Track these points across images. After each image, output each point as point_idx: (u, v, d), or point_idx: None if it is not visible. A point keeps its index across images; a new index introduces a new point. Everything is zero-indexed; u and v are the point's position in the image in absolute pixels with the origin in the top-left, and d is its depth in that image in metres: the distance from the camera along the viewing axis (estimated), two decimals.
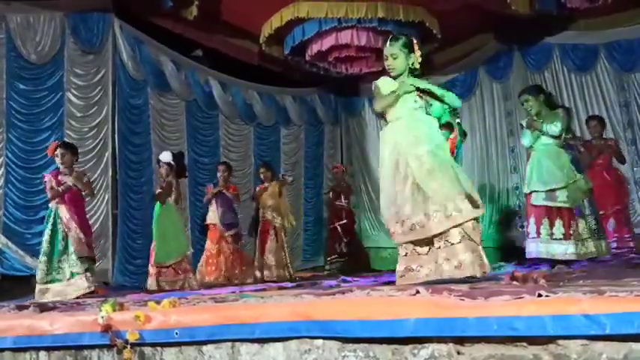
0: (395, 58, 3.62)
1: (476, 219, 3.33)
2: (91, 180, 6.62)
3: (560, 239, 4.70)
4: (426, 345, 1.97)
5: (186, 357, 2.40)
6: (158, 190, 6.20)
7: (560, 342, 1.78)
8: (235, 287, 5.39)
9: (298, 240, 9.41)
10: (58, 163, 5.27)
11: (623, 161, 6.62)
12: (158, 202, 6.10)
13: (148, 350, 2.46)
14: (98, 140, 6.84)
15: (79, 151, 6.40)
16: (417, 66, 3.65)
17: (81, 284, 4.98)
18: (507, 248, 7.89)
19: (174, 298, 2.78)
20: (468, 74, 9.08)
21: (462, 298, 2.07)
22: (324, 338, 2.15)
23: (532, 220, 4.85)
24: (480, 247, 3.33)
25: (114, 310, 2.56)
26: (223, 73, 8.61)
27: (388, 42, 3.66)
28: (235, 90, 8.82)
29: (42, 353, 2.69)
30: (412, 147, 3.44)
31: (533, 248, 4.79)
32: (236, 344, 2.33)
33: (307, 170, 9.81)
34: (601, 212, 5.84)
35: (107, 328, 2.47)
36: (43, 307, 3.31)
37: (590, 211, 5.19)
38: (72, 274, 5.00)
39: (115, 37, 7.10)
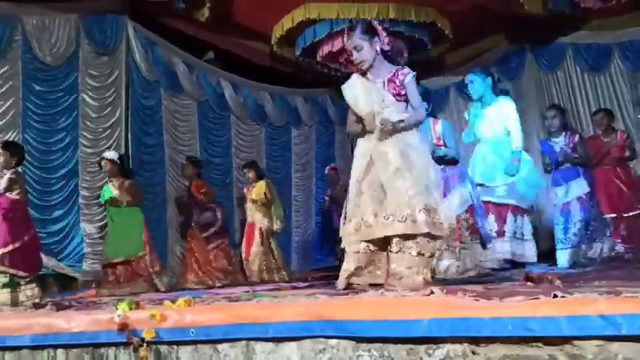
0: (359, 50, 3.29)
1: (430, 235, 3.06)
2: (105, 180, 6.70)
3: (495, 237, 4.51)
4: (441, 345, 1.97)
5: (201, 355, 2.42)
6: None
7: (576, 342, 1.78)
8: (249, 287, 5.39)
9: (309, 241, 9.41)
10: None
11: (631, 157, 6.20)
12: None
13: (163, 348, 2.49)
14: (112, 141, 6.91)
15: (94, 151, 6.50)
16: (387, 48, 3.29)
17: None
18: None
19: (190, 297, 2.81)
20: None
21: (477, 298, 2.07)
22: (338, 338, 2.16)
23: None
24: (428, 261, 3.09)
25: (130, 309, 2.58)
26: (235, 74, 8.66)
27: (345, 36, 3.40)
28: (247, 91, 8.86)
29: (59, 351, 2.71)
30: (381, 145, 3.21)
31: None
32: (250, 343, 2.34)
33: (318, 170, 9.81)
34: (611, 215, 5.74)
35: (124, 327, 2.49)
36: (60, 306, 3.34)
37: (583, 217, 5.10)
38: None
39: (128, 39, 7.18)
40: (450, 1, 7.24)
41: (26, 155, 6.16)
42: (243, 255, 6.99)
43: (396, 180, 3.10)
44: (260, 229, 6.94)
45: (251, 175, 7.20)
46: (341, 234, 3.34)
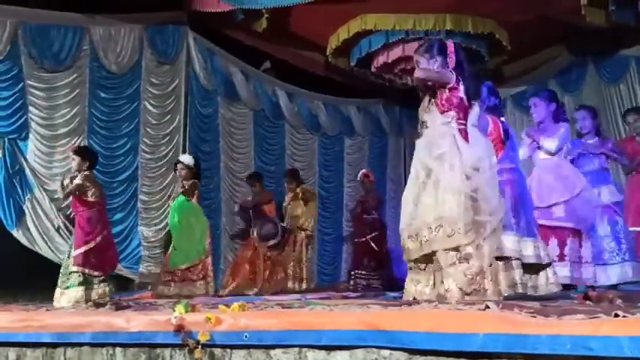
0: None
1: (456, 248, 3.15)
2: (163, 185, 6.91)
3: (554, 261, 4.14)
4: None
5: None
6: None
7: None
8: (299, 295, 5.42)
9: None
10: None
11: None
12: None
13: (217, 351, 2.54)
14: (171, 147, 7.11)
15: (153, 157, 6.67)
16: (452, 66, 3.48)
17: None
18: None
19: (244, 302, 2.86)
20: (538, 86, 8.85)
21: (534, 315, 2.04)
22: (391, 349, 2.17)
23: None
24: (477, 274, 3.13)
25: (186, 311, 2.66)
26: (290, 83, 8.77)
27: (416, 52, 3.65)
28: (301, 100, 8.95)
29: (118, 349, 2.81)
30: (425, 158, 3.44)
31: None
32: (303, 350, 2.37)
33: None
34: (637, 229, 5.05)
35: (180, 328, 2.56)
36: (119, 306, 3.47)
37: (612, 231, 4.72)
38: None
39: (188, 49, 7.39)
40: (511, 12, 7.12)
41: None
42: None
43: (422, 196, 3.28)
44: (296, 237, 7.16)
45: (292, 186, 7.42)
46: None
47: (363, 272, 7.51)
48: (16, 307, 4.04)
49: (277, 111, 8.62)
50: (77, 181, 4.81)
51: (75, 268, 4.67)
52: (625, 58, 8.11)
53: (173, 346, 2.64)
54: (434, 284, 3.26)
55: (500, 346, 1.93)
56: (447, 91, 3.42)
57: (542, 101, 4.68)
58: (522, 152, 4.63)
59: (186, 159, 6.25)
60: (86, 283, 4.67)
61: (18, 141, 6.13)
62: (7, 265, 5.56)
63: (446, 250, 3.16)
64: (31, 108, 6.19)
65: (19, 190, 6.05)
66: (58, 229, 6.07)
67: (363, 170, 8.24)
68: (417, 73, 3.52)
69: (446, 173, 3.28)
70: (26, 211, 6.05)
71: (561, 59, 8.59)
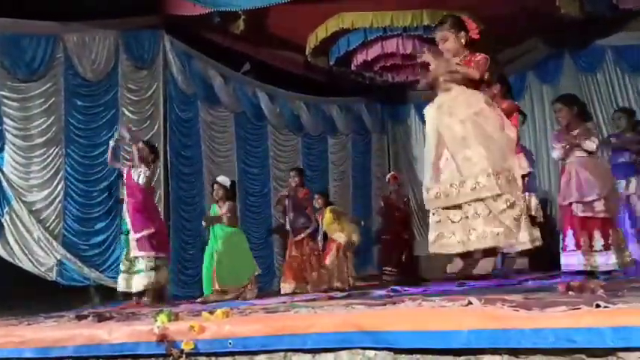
0: (446, 40, 3.59)
1: (504, 195, 3.31)
2: None
3: (601, 250, 4.52)
4: (480, 356, 1.94)
5: None
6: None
7: (621, 354, 1.73)
8: (286, 297, 5.41)
9: None
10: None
11: None
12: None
13: (202, 359, 2.51)
14: None
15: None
16: (476, 37, 3.59)
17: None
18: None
19: (227, 309, 2.83)
20: (516, 78, 8.90)
21: (517, 308, 2.03)
22: (376, 349, 2.15)
23: (570, 232, 4.67)
24: (513, 222, 3.32)
25: (169, 320, 2.61)
26: (270, 84, 8.73)
27: (436, 27, 3.72)
28: (282, 101, 8.93)
29: None
30: (445, 116, 3.47)
31: (574, 261, 4.60)
32: (288, 354, 2.34)
33: (355, 180, 9.81)
34: None
35: (163, 338, 2.52)
36: (102, 317, 3.41)
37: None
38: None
39: (165, 53, 7.33)
40: (486, 6, 7.14)
41: (69, 169, 6.38)
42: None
43: (463, 149, 3.36)
44: (337, 243, 7.34)
45: (321, 202, 7.49)
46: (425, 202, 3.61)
47: (391, 269, 8.10)
48: None
49: (259, 113, 8.59)
50: (149, 174, 5.49)
51: (141, 253, 5.29)
52: (601, 48, 8.21)
53: (157, 356, 2.59)
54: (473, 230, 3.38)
55: (484, 342, 1.92)
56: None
57: (565, 106, 4.84)
58: (556, 154, 4.89)
59: (223, 180, 6.25)
60: (155, 267, 5.30)
61: None
62: None
63: (499, 195, 3.31)
64: (5, 119, 6.09)
65: None
66: (38, 241, 5.98)
67: (392, 172, 9.03)
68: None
69: (491, 127, 3.46)
70: (4, 224, 5.95)
71: (538, 51, 8.67)
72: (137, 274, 5.38)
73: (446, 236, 3.45)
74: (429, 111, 3.62)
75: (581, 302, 2.00)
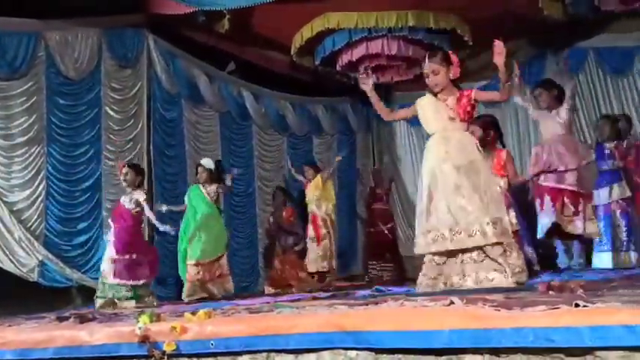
0: (436, 74, 3.65)
1: (500, 244, 3.38)
2: None
3: (569, 216, 4.85)
4: (462, 356, 1.96)
5: None
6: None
7: (599, 353, 1.75)
8: (270, 297, 5.41)
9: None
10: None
11: None
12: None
13: None
14: (134, 153, 6.97)
15: (116, 164, 6.59)
16: (457, 76, 3.71)
17: None
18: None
19: (210, 309, 2.82)
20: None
21: (498, 308, 2.05)
22: (357, 349, 2.16)
23: (547, 197, 4.93)
24: (507, 268, 3.36)
25: (151, 321, 2.60)
26: (255, 84, 8.71)
27: (427, 58, 3.73)
28: (268, 101, 8.90)
29: None
30: (441, 162, 3.51)
31: (547, 220, 4.85)
32: (271, 354, 2.35)
33: (341, 179, 9.81)
34: None
35: (144, 339, 2.51)
36: (83, 318, 3.38)
37: (625, 222, 5.25)
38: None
39: (149, 52, 7.26)
40: (470, 8, 7.19)
41: (51, 169, 6.32)
42: (315, 244, 7.56)
43: (457, 197, 3.41)
44: (321, 217, 7.57)
45: (311, 172, 7.92)
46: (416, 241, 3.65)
47: (377, 263, 8.33)
48: None
49: (244, 112, 8.56)
50: (142, 199, 5.57)
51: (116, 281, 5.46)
52: (583, 50, 8.29)
53: (139, 357, 2.58)
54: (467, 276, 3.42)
55: (465, 342, 1.94)
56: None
57: (545, 90, 5.25)
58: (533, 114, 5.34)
59: (207, 162, 6.43)
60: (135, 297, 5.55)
61: None
62: None
63: (497, 243, 3.37)
64: None
65: None
66: (19, 241, 5.91)
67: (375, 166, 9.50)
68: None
69: (484, 177, 3.55)
70: None
71: (522, 53, 8.72)
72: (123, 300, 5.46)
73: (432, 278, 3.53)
74: (429, 147, 3.64)
75: (560, 302, 2.02)
